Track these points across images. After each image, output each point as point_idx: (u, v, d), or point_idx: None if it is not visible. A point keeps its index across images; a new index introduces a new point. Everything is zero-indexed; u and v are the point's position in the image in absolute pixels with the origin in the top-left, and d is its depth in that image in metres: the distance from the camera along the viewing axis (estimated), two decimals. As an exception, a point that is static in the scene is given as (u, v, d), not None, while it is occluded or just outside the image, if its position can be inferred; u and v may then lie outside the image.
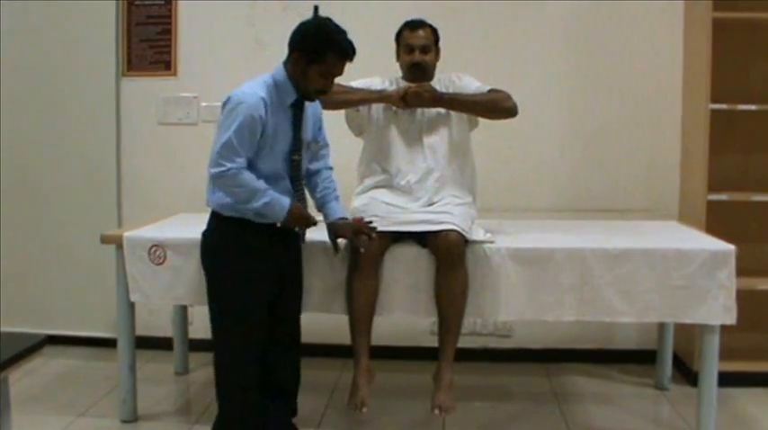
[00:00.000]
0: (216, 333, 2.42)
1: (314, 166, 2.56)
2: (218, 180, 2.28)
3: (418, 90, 2.65)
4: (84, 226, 3.53)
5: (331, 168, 2.60)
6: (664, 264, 2.51)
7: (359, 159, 2.85)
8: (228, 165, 2.25)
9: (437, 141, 2.74)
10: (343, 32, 2.31)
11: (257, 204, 2.30)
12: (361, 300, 2.54)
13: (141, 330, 2.95)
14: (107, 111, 3.58)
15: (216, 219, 2.41)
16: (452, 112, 2.75)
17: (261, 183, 2.30)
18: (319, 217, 2.53)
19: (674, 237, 2.79)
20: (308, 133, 2.44)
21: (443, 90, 2.72)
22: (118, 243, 2.71)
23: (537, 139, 3.47)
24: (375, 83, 2.79)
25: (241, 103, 2.23)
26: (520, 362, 3.46)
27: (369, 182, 2.78)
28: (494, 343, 3.53)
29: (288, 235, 2.43)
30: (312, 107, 2.45)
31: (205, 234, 2.44)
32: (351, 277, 2.55)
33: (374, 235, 2.47)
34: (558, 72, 3.43)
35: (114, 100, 3.58)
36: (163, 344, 3.48)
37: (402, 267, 2.57)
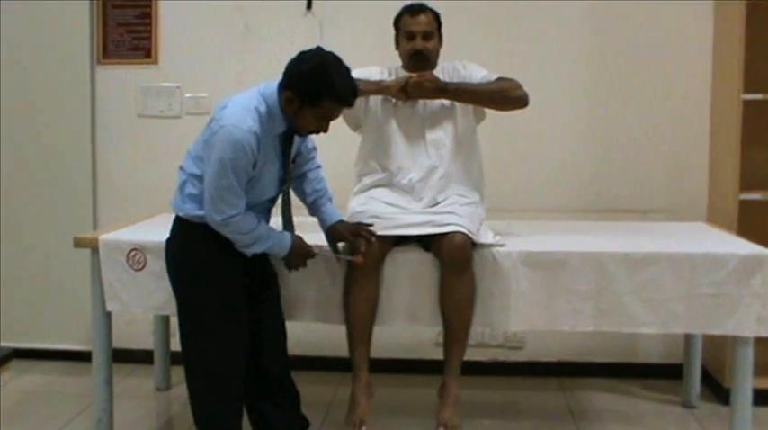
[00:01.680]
0: (189, 354, 2.42)
1: (304, 168, 2.58)
2: (219, 227, 2.30)
3: (420, 80, 2.67)
4: (55, 228, 3.55)
5: (319, 167, 2.62)
6: (691, 269, 2.53)
7: (356, 156, 2.87)
8: (231, 212, 2.27)
9: (441, 136, 2.76)
10: (345, 73, 2.27)
11: (259, 249, 2.37)
12: (359, 308, 2.56)
13: (118, 342, 2.96)
14: (80, 103, 3.59)
15: (183, 226, 2.41)
16: (457, 104, 2.77)
17: (262, 227, 2.36)
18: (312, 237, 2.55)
19: (701, 239, 2.81)
20: (293, 153, 2.46)
21: (447, 80, 2.74)
22: (93, 246, 2.73)
23: (551, 134, 3.49)
24: (373, 73, 2.81)
25: (234, 141, 2.21)
26: (532, 377, 3.48)
27: (367, 181, 2.80)
28: (504, 355, 3.55)
29: None
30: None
31: (170, 242, 2.45)
32: (348, 284, 2.57)
33: (374, 239, 2.50)
34: (576, 61, 3.45)
35: (88, 90, 3.60)
36: (142, 357, 3.51)
37: (404, 273, 2.59)
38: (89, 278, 2.76)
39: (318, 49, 2.30)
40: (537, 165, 3.50)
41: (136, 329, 3.56)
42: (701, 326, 2.57)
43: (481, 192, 2.85)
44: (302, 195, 2.60)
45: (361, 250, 2.49)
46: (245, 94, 2.34)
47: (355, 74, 2.43)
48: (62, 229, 3.35)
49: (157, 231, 2.87)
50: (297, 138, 2.43)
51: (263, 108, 2.29)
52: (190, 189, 2.37)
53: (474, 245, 2.55)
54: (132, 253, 2.69)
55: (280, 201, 2.51)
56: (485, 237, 2.62)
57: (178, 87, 3.60)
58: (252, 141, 2.23)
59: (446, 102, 2.76)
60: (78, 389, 3.30)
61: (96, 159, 3.65)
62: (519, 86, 2.71)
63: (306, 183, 2.59)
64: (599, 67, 3.45)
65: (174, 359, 3.39)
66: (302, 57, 2.28)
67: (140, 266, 2.68)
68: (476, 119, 2.84)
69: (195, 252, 2.38)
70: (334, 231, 2.54)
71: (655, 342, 3.46)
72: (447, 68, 2.82)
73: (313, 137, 2.53)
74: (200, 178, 2.33)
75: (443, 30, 2.82)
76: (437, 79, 2.69)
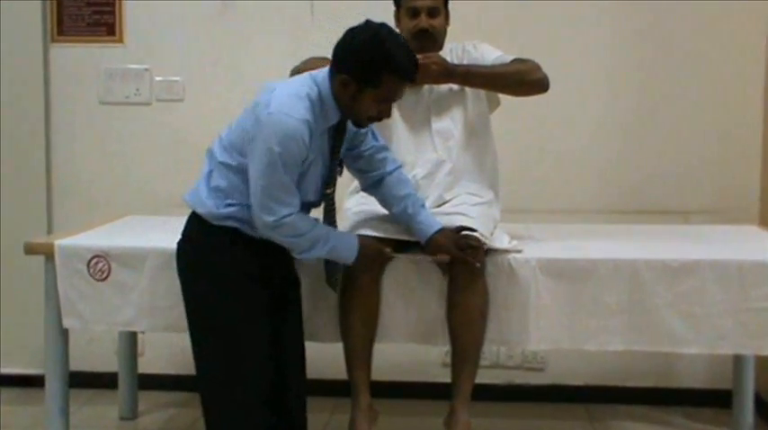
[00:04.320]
0: (203, 383, 2.44)
1: (376, 174, 2.57)
2: (272, 230, 2.31)
3: (425, 62, 2.66)
4: (3, 232, 3.57)
5: (400, 167, 2.60)
6: (740, 279, 2.54)
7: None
8: (284, 211, 2.28)
9: (449, 125, 2.78)
10: (403, 44, 2.30)
11: (319, 253, 2.38)
12: (358, 323, 2.58)
13: (77, 364, 2.99)
14: (32, 88, 3.61)
15: (201, 225, 2.41)
16: (468, 89, 2.79)
17: (320, 227, 2.37)
18: None
19: (753, 245, 2.83)
20: (342, 153, 2.48)
21: (456, 62, 2.76)
22: (47, 253, 2.74)
23: (577, 123, 3.51)
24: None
25: (285, 131, 2.22)
26: (554, 403, 3.50)
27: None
28: (522, 378, 3.57)
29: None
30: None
31: (183, 244, 2.46)
32: (345, 296, 2.59)
33: (478, 244, 2.49)
34: (606, 41, 3.48)
35: (41, 73, 3.62)
36: (105, 381, 3.53)
37: (407, 283, 2.61)
38: (42, 290, 2.77)
39: (368, 22, 2.33)
40: (560, 159, 3.52)
41: (98, 349, 3.58)
42: (752, 345, 2.59)
43: (495, 189, 2.87)
44: (387, 202, 2.58)
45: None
46: (295, 79, 2.37)
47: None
48: (11, 234, 3.36)
49: (123, 235, 2.90)
50: (347, 135, 2.45)
51: (314, 95, 2.31)
52: (218, 181, 2.37)
53: (487, 250, 2.57)
54: (94, 260, 2.71)
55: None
56: (499, 241, 2.64)
57: (147, 69, 3.62)
58: (304, 132, 2.25)
59: (455, 86, 2.78)
60: (29, 420, 3.31)
61: (51, 153, 3.67)
62: (538, 68, 2.73)
63: (386, 185, 2.56)
64: (633, 48, 3.48)
65: (143, 383, 3.42)
66: (352, 33, 2.31)
67: (103, 276, 2.70)
68: (489, 106, 2.86)
69: (214, 258, 2.39)
70: (435, 244, 2.51)
71: (698, 364, 3.48)
72: (455, 49, 2.84)
73: (378, 136, 2.55)
74: (232, 169, 2.35)
75: (451, 5, 2.84)
76: (444, 61, 2.70)
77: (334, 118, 2.35)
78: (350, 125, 2.44)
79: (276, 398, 2.45)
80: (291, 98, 2.27)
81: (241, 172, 2.33)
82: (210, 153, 2.43)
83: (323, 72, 2.35)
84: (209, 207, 2.37)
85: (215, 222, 2.38)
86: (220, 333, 2.39)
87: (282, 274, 2.50)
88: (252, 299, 2.39)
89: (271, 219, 2.28)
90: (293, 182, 2.29)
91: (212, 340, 2.41)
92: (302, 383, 2.59)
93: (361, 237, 2.47)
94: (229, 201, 2.36)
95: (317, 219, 2.42)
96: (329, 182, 2.45)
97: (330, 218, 2.50)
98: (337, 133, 2.41)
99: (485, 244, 2.54)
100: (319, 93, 2.31)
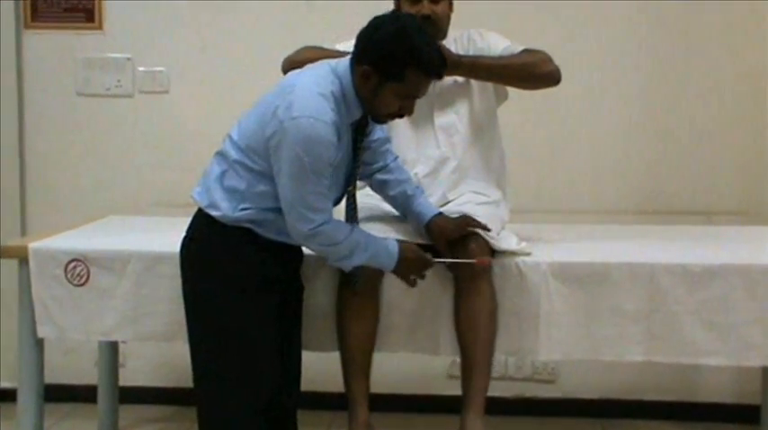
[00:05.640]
0: (205, 385, 2.45)
1: (377, 166, 2.62)
2: (308, 240, 2.34)
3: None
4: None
5: (397, 157, 2.66)
6: (768, 285, 2.56)
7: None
8: (320, 218, 2.30)
9: (453, 120, 2.79)
10: (430, 39, 2.33)
11: (359, 261, 2.39)
12: (356, 331, 2.58)
13: (53, 377, 3.00)
14: (4, 78, 3.61)
15: (209, 225, 2.42)
16: (473, 82, 2.80)
17: (357, 232, 2.38)
18: None
19: (781, 248, 2.85)
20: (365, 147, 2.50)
21: (461, 52, 2.76)
22: (21, 256, 2.74)
23: (592, 117, 3.53)
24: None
25: (314, 137, 2.23)
26: (567, 417, 3.52)
27: (363, 175, 2.84)
28: (532, 390, 3.59)
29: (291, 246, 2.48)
30: None
31: (189, 243, 2.47)
32: (342, 300, 2.60)
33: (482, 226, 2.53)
34: (624, 32, 3.50)
35: (13, 62, 3.63)
36: (83, 394, 3.54)
37: (409, 288, 2.58)
38: (15, 297, 2.77)
39: (394, 13, 2.36)
40: (573, 155, 3.54)
41: (75, 360, 3.59)
42: (782, 356, 2.59)
43: (503, 188, 2.88)
44: (384, 188, 2.63)
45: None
46: (314, 71, 2.37)
47: (348, 46, 2.46)
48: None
49: (103, 237, 2.91)
50: (370, 128, 2.47)
51: (338, 90, 2.32)
52: (233, 181, 2.38)
53: (494, 252, 2.58)
54: (71, 264, 2.71)
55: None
56: (507, 242, 2.64)
57: (129, 59, 3.63)
58: (332, 135, 2.26)
59: (459, 79, 2.79)
60: (2, 435, 3.33)
61: (24, 148, 3.68)
62: (549, 59, 2.73)
63: (386, 173, 2.62)
64: (653, 39, 3.50)
65: (124, 397, 3.43)
66: (377, 23, 2.33)
67: (82, 281, 2.70)
68: (496, 99, 2.86)
69: (225, 258, 2.40)
70: (437, 226, 2.55)
71: (723, 377, 3.49)
72: (460, 38, 2.84)
73: (385, 129, 2.59)
74: (253, 172, 2.35)
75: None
76: (448, 51, 2.69)
77: (357, 113, 2.37)
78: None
79: (275, 408, 2.47)
80: (315, 98, 2.27)
81: (264, 176, 2.34)
82: (222, 155, 2.42)
83: (344, 63, 2.36)
84: (224, 209, 2.38)
85: (228, 223, 2.39)
86: (227, 335, 2.40)
87: (292, 278, 2.53)
88: (263, 301, 2.41)
89: (306, 228, 2.30)
90: (325, 187, 2.30)
91: (217, 343, 2.42)
92: (297, 396, 2.61)
93: (403, 242, 2.47)
94: (245, 205, 2.37)
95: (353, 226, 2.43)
96: (350, 179, 2.47)
97: (352, 216, 2.51)
98: (359, 128, 2.43)
99: (492, 244, 2.55)
100: (341, 87, 2.33)
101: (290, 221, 2.31)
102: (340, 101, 2.31)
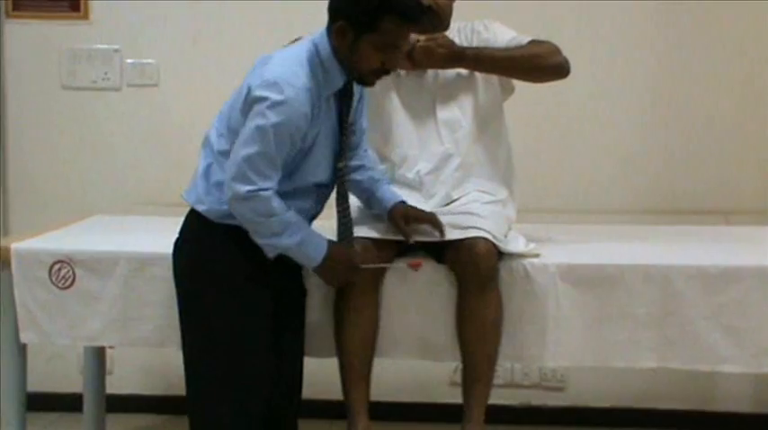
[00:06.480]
0: (198, 387, 2.46)
1: (353, 153, 2.61)
2: (242, 202, 2.31)
3: (429, 45, 2.69)
4: (-46, 234, 3.57)
5: (367, 149, 2.68)
6: (790, 289, 2.55)
7: (349, 142, 2.91)
8: (262, 184, 2.29)
9: (457, 115, 2.79)
10: None
11: (289, 241, 2.36)
12: (355, 336, 2.58)
13: (37, 384, 3.00)
14: (-14, 70, 3.62)
15: (200, 225, 2.44)
16: (478, 75, 2.79)
17: (294, 214, 2.37)
18: None
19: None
20: (351, 120, 2.50)
21: (465, 43, 2.77)
22: (3, 258, 2.73)
23: (603, 112, 3.54)
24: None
25: (282, 101, 2.24)
26: (575, 426, 3.52)
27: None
28: (539, 398, 3.59)
29: None
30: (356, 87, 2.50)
31: (181, 245, 2.48)
32: (340, 303, 2.60)
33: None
34: (639, 24, 3.50)
35: (-4, 53, 3.63)
36: (68, 403, 3.54)
37: (410, 291, 2.61)
38: (-3, 300, 2.78)
39: None
40: (584, 152, 3.54)
41: (60, 367, 3.60)
42: (804, 363, 2.59)
43: (510, 187, 2.88)
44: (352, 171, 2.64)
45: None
46: (293, 47, 2.39)
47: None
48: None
49: (90, 238, 2.91)
50: (356, 99, 2.48)
51: (314, 57, 2.34)
52: (218, 175, 2.39)
53: (500, 254, 2.58)
54: (56, 266, 2.71)
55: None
56: (514, 244, 2.64)
57: (116, 50, 3.63)
58: (304, 101, 2.27)
59: (463, 71, 2.79)
60: (-16, 445, 3.33)
61: (6, 144, 3.68)
62: (557, 51, 2.74)
63: (357, 160, 2.63)
64: (668, 34, 3.51)
65: (111, 405, 3.43)
66: None
67: (67, 284, 2.70)
68: (502, 93, 2.86)
69: (215, 257, 2.41)
70: (399, 211, 2.56)
71: (740, 384, 3.50)
72: (464, 29, 2.84)
73: (366, 119, 2.60)
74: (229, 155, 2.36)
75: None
76: (451, 43, 2.71)
77: (339, 80, 2.37)
78: (356, 94, 2.48)
79: (271, 412, 2.49)
80: (290, 64, 2.30)
81: None
82: (206, 144, 2.44)
83: (321, 31, 2.37)
84: (210, 203, 2.40)
85: (217, 220, 2.39)
86: (215, 337, 2.41)
87: (289, 280, 2.52)
88: (254, 303, 2.42)
89: (244, 188, 2.28)
90: (281, 158, 2.30)
91: (206, 346, 2.43)
92: (298, 403, 2.63)
93: (335, 245, 2.46)
94: None
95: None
96: (340, 154, 2.46)
97: (343, 200, 2.50)
98: (344, 98, 2.43)
99: (498, 247, 2.56)
100: (319, 54, 2.34)
101: (229, 180, 2.30)
102: (317, 68, 2.32)
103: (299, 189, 2.42)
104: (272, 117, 2.24)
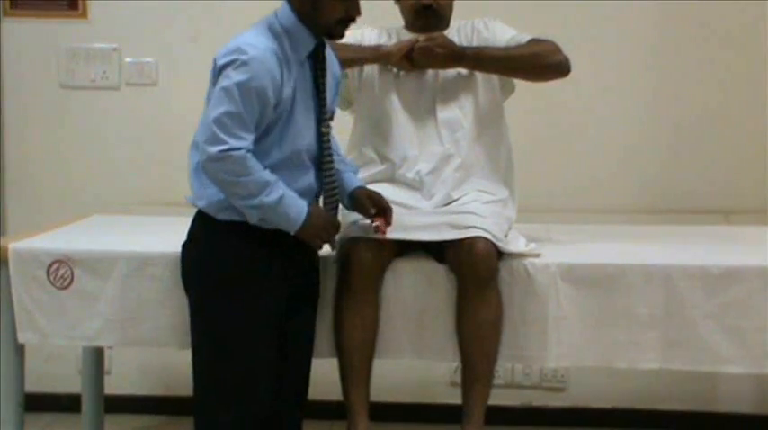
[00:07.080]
0: (201, 389, 2.46)
1: None
2: (215, 163, 2.30)
3: (429, 44, 2.69)
4: (-48, 234, 3.57)
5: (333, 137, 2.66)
6: (792, 288, 2.55)
7: (348, 143, 2.91)
8: (234, 143, 2.28)
9: (457, 115, 2.79)
10: None
11: (268, 199, 2.33)
12: (355, 336, 2.59)
13: (34, 385, 3.00)
14: (-17, 69, 3.62)
15: (205, 224, 2.44)
16: (478, 74, 2.80)
17: (270, 173, 2.36)
18: None
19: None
20: (329, 95, 2.52)
21: (464, 43, 2.77)
22: (1, 258, 2.73)
23: (604, 111, 3.54)
24: (368, 36, 2.85)
25: (245, 60, 2.27)
26: (577, 427, 3.51)
27: (363, 174, 2.81)
28: (540, 399, 3.59)
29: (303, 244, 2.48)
30: (331, 63, 2.52)
31: (188, 245, 2.48)
32: (340, 304, 2.60)
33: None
34: (639, 22, 3.50)
35: (-7, 52, 3.63)
36: (66, 403, 3.55)
37: (410, 290, 2.62)
38: (-5, 300, 2.78)
39: None
40: (584, 152, 3.54)
41: (58, 367, 3.59)
42: (807, 364, 2.59)
43: (510, 186, 2.88)
44: None
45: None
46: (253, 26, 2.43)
47: (345, 37, 2.47)
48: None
49: (88, 237, 2.90)
50: (329, 62, 2.49)
51: (277, 26, 2.38)
52: None
53: (500, 254, 2.58)
54: (54, 266, 2.71)
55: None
56: (514, 244, 2.64)
57: (115, 49, 3.63)
58: (268, 59, 2.30)
59: (463, 71, 2.79)
60: (-19, 446, 3.33)
61: (4, 144, 3.68)
62: (557, 50, 2.74)
63: None
64: (669, 33, 3.51)
65: (109, 406, 3.43)
66: None
67: (65, 284, 2.70)
68: (502, 92, 2.87)
69: (221, 256, 2.41)
70: (360, 194, 2.56)
71: (742, 385, 3.50)
72: (464, 28, 2.85)
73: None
74: None
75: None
76: (451, 43, 2.71)
77: (308, 43, 2.40)
78: (334, 74, 2.52)
79: (275, 417, 2.49)
80: (250, 33, 2.36)
81: None
82: (194, 146, 2.43)
83: (281, 7, 2.42)
84: (208, 197, 2.39)
85: (219, 216, 2.39)
86: (221, 341, 2.41)
87: (302, 273, 2.51)
88: (261, 302, 2.41)
89: (216, 149, 2.27)
90: (250, 117, 2.30)
91: (212, 349, 2.42)
92: (303, 408, 2.63)
93: (314, 206, 2.45)
94: None
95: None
96: (321, 120, 2.47)
97: (327, 159, 2.48)
98: (317, 62, 2.45)
99: (499, 247, 2.56)
100: (280, 22, 2.39)
101: (201, 143, 2.30)
102: (281, 35, 2.37)
103: (294, 160, 2.41)
104: (235, 76, 2.27)
